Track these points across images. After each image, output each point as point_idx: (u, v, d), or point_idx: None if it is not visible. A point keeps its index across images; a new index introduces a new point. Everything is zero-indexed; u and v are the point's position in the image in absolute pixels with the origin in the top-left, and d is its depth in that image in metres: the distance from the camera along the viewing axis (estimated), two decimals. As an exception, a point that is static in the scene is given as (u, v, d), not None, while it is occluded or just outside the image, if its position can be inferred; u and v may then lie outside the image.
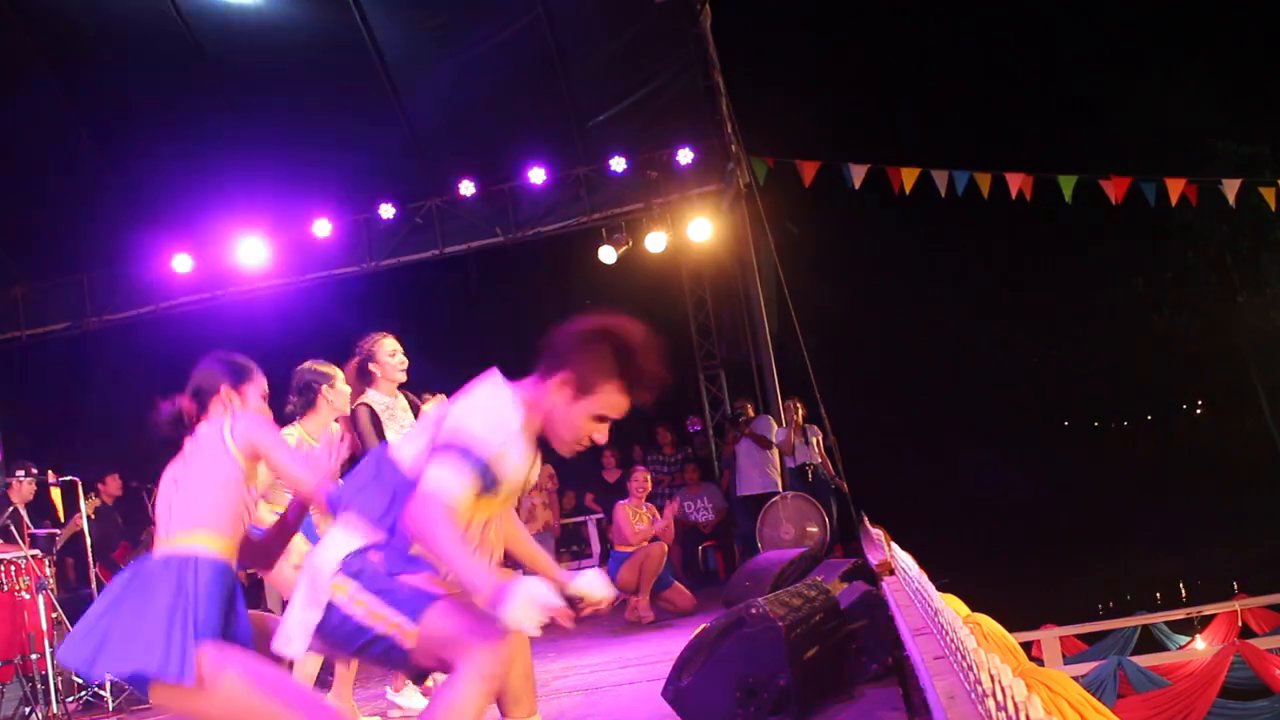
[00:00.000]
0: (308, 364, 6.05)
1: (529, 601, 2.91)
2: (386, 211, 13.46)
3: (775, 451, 11.98)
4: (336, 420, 6.19)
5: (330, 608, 3.20)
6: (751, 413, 12.53)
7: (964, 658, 2.78)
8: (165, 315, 13.92)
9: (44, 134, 12.19)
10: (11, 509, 9.41)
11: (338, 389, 6.00)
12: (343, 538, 3.26)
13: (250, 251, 13.44)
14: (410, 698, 6.10)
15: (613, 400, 3.31)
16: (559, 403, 3.31)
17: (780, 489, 11.66)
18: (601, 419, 3.33)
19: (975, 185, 13.05)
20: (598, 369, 3.27)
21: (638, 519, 9.98)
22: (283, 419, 5.81)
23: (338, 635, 3.22)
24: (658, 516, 10.21)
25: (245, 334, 12.51)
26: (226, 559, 3.47)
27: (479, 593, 3.00)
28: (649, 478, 10.52)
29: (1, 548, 8.98)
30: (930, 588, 4.30)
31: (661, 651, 7.22)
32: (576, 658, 7.70)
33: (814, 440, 11.91)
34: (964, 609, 4.57)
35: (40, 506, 9.66)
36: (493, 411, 3.25)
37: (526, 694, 3.51)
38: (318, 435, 5.89)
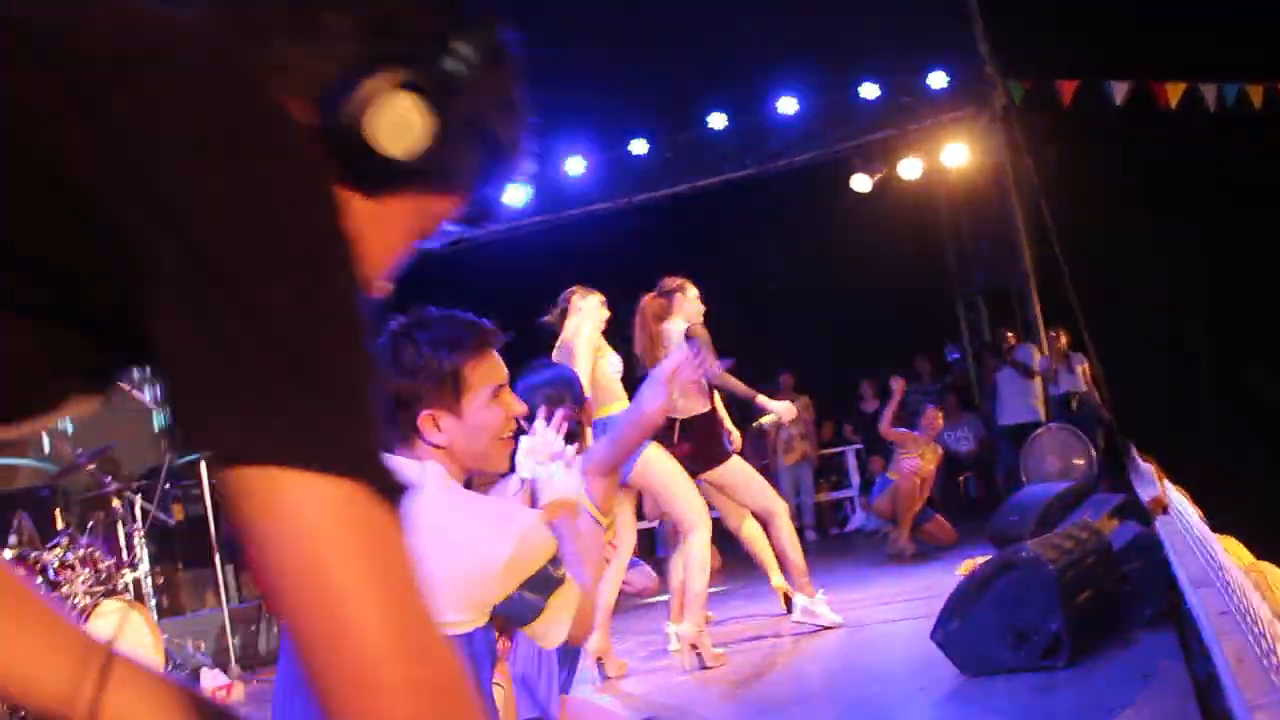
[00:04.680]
0: None
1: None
2: (639, 147, 13.58)
3: (1038, 380, 11.71)
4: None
5: None
6: (1013, 341, 12.25)
7: (1253, 619, 2.70)
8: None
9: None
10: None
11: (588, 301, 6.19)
12: None
13: (510, 191, 13.77)
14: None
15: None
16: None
17: (1043, 419, 11.40)
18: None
19: (1246, 97, 12.36)
20: None
21: (912, 450, 9.88)
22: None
23: None
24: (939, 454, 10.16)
25: (506, 272, 12.87)
26: None
27: None
28: (940, 418, 10.41)
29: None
30: (1211, 537, 4.16)
31: (922, 587, 7.22)
32: (837, 593, 7.73)
33: (1079, 369, 11.58)
34: (1246, 555, 4.41)
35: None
36: None
37: None
38: None
